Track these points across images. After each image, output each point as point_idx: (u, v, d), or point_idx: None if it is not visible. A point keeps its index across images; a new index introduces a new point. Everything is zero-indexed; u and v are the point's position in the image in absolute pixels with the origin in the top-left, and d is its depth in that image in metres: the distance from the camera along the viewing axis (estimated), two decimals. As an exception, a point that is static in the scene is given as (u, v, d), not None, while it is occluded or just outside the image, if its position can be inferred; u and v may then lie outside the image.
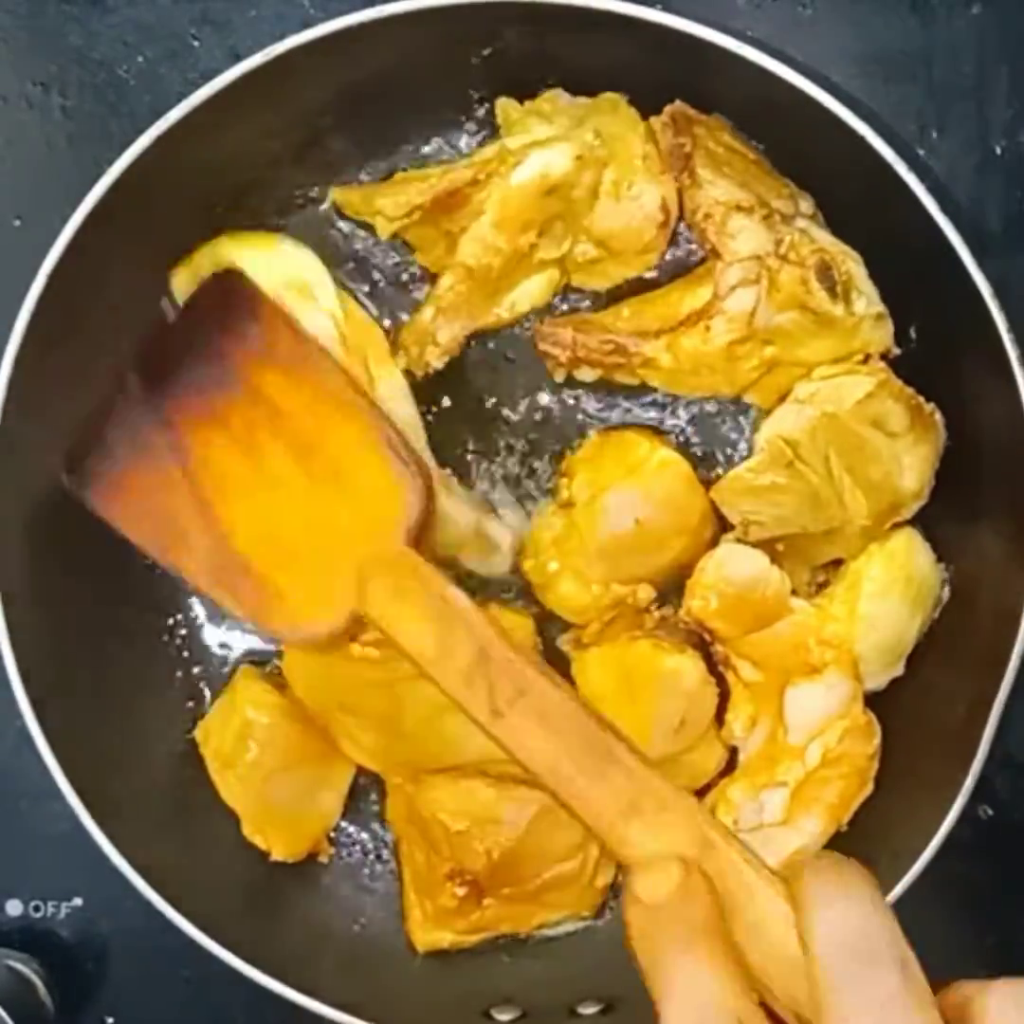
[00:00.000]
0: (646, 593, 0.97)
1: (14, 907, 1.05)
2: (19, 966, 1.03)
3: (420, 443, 0.96)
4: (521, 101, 0.96)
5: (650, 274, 0.98)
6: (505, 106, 0.96)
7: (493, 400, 1.00)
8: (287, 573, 0.84)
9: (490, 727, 0.70)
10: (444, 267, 0.96)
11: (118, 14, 1.01)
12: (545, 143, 0.93)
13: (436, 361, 0.96)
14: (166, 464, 0.86)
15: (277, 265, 0.94)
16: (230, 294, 0.91)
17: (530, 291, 0.98)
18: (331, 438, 0.86)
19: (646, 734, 0.97)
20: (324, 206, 1.00)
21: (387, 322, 0.99)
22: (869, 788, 0.97)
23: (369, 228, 0.98)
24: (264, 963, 0.94)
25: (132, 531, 0.87)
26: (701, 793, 0.99)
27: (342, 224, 1.00)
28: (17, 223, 1.03)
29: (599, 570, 0.97)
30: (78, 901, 1.06)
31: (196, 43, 1.01)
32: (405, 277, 1.00)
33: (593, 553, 0.97)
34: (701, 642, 0.98)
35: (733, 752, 1.00)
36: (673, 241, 0.97)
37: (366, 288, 1.00)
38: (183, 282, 0.95)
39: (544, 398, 1.00)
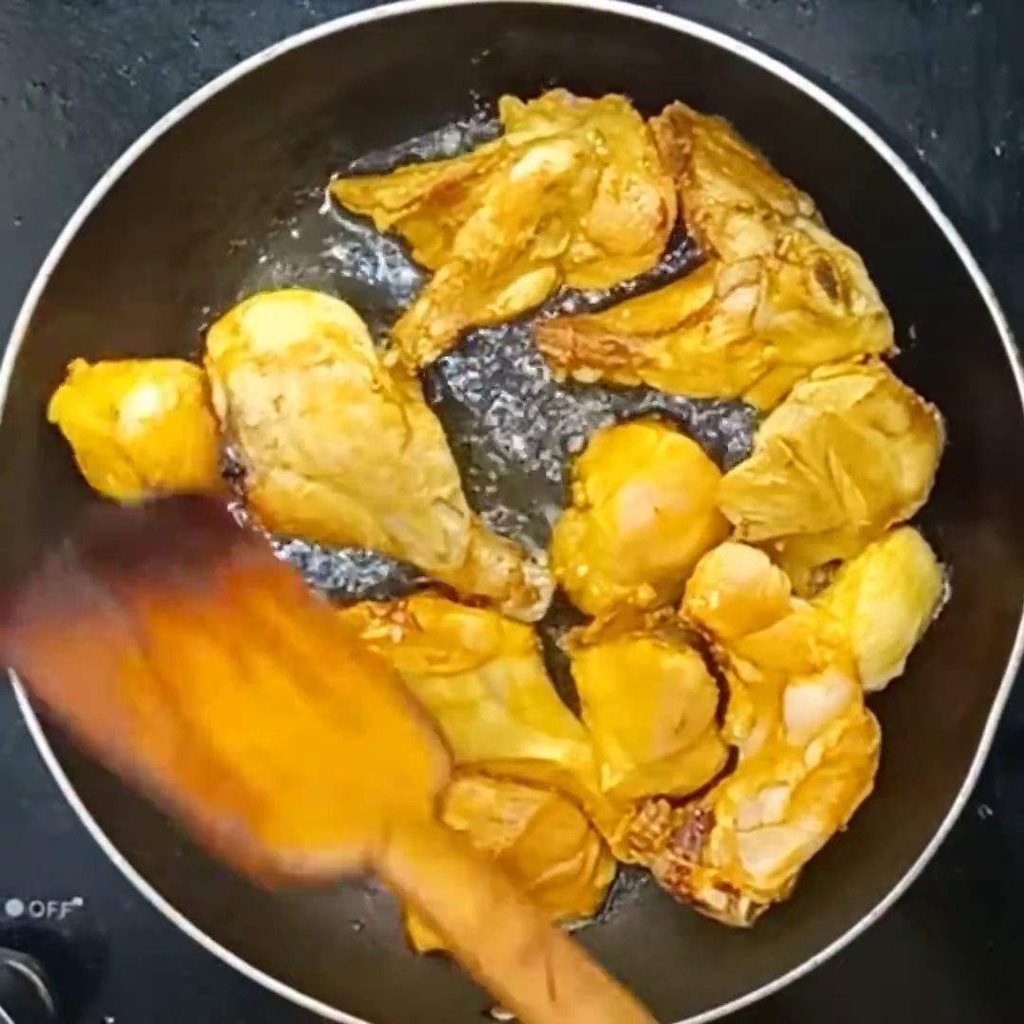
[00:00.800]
0: (647, 593, 0.97)
1: (14, 907, 1.05)
2: (19, 966, 1.03)
3: (455, 485, 0.96)
4: (523, 102, 0.96)
5: (650, 275, 0.98)
6: (508, 104, 0.96)
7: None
8: (288, 794, 0.76)
9: (543, 1012, 0.69)
10: (441, 263, 0.96)
11: (118, 14, 1.02)
12: (546, 140, 0.93)
13: (428, 355, 0.95)
14: (118, 643, 0.77)
15: (314, 315, 0.94)
16: (217, 517, 0.86)
17: (525, 289, 0.98)
18: (344, 683, 0.81)
19: (646, 733, 0.97)
20: (324, 207, 1.00)
21: (382, 328, 0.99)
22: (869, 788, 0.97)
23: (370, 222, 0.98)
24: (264, 963, 0.94)
25: (66, 700, 0.77)
26: (701, 792, 1.00)
27: (341, 224, 1.00)
28: (18, 223, 1.03)
29: (628, 565, 0.97)
30: (78, 901, 1.06)
31: (196, 43, 1.01)
32: (402, 276, 1.00)
33: (619, 550, 0.96)
34: (701, 642, 0.98)
35: (733, 752, 1.00)
36: (672, 242, 0.98)
37: (365, 290, 1.00)
38: (220, 339, 0.95)
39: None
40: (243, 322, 0.94)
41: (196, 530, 0.81)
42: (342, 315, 0.95)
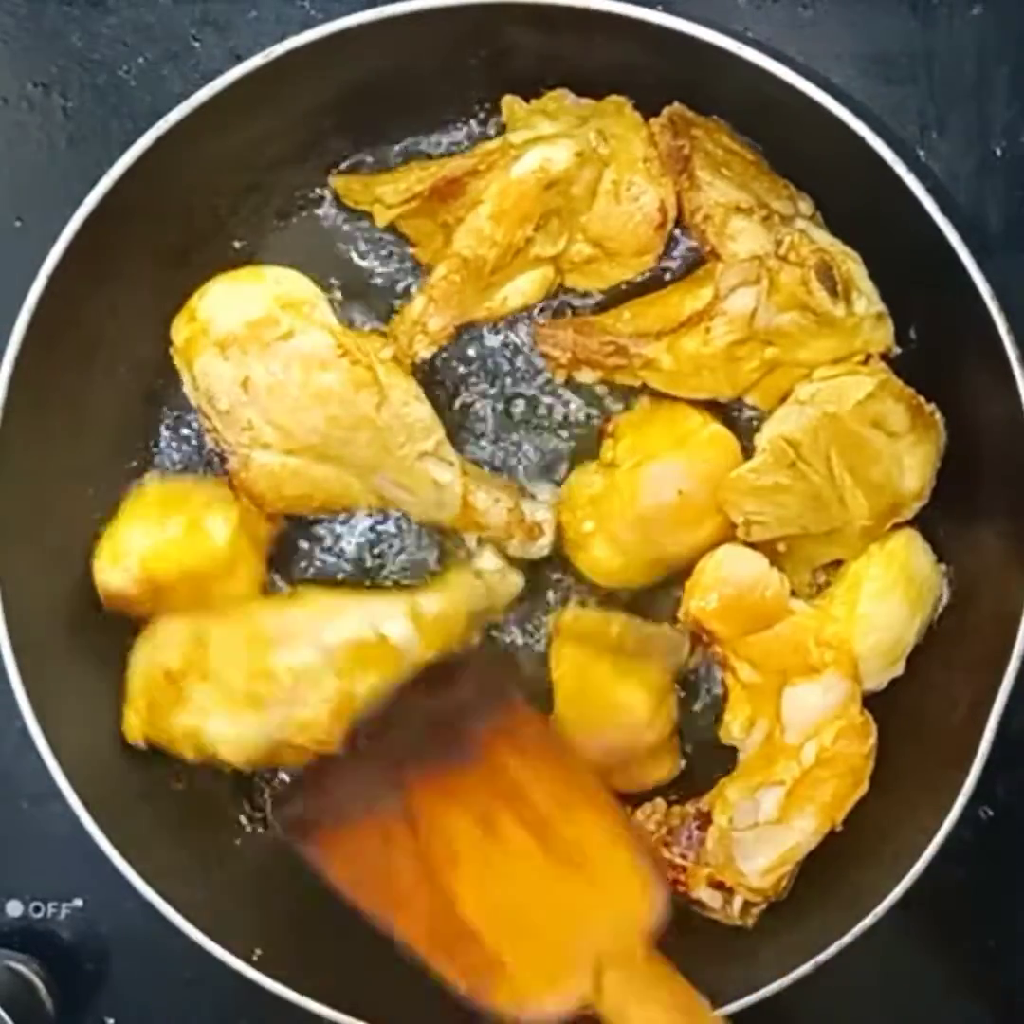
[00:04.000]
0: (618, 627, 0.97)
1: (14, 908, 1.05)
2: (19, 967, 1.03)
3: (439, 436, 0.96)
4: (525, 102, 0.96)
5: (650, 276, 0.99)
6: (510, 102, 0.96)
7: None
8: (517, 948, 0.80)
9: None
10: (442, 260, 0.96)
11: (119, 15, 1.02)
12: (547, 139, 0.93)
13: (424, 351, 0.95)
14: (394, 825, 0.82)
15: (267, 290, 0.94)
16: (479, 680, 0.88)
17: (523, 287, 0.98)
18: (573, 824, 0.82)
19: (576, 736, 0.97)
20: (325, 208, 1.00)
21: (384, 329, 0.99)
22: (864, 788, 0.97)
23: (370, 218, 0.98)
24: (264, 964, 0.94)
25: (347, 884, 0.82)
26: (700, 793, 1.00)
27: (341, 225, 1.00)
28: (18, 224, 1.03)
29: (634, 537, 0.97)
30: (78, 902, 1.06)
31: (197, 44, 1.01)
32: (402, 276, 1.00)
33: (632, 519, 0.96)
34: (697, 639, 0.99)
35: (733, 751, 1.00)
36: (671, 243, 0.98)
37: (365, 290, 1.00)
38: (181, 331, 0.95)
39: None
40: (200, 308, 0.94)
41: (443, 700, 0.86)
42: (295, 284, 0.95)
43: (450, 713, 0.85)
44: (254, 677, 0.95)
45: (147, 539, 0.96)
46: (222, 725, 0.96)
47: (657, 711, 0.97)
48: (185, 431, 1.01)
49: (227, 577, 0.97)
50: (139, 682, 0.97)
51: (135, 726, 0.97)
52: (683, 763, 1.02)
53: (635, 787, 1.00)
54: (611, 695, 0.97)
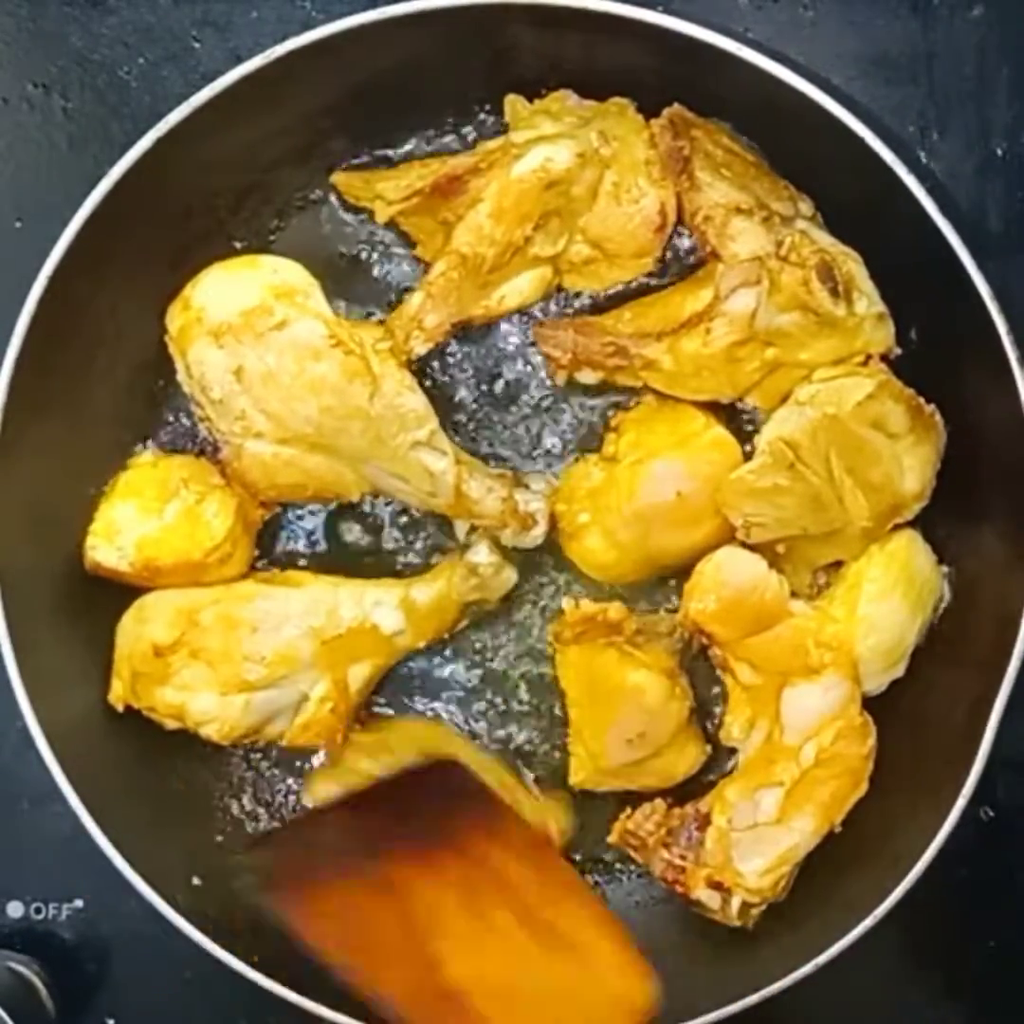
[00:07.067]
0: (617, 612, 0.97)
1: (15, 909, 1.05)
2: (20, 968, 1.03)
3: (433, 426, 0.96)
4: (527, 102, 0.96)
5: (650, 277, 0.99)
6: (513, 101, 0.96)
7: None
8: (507, 1016, 0.81)
9: None
10: (441, 257, 0.96)
11: (119, 16, 1.01)
12: (549, 138, 0.93)
13: (421, 348, 0.95)
14: (373, 888, 0.83)
15: (262, 279, 0.94)
16: (453, 783, 0.89)
17: (521, 287, 0.98)
18: (559, 913, 0.84)
19: (601, 740, 0.98)
20: (325, 208, 1.00)
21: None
22: (863, 788, 0.97)
23: (370, 213, 0.98)
24: (264, 964, 0.94)
25: (319, 939, 0.81)
26: (671, 792, 1.00)
27: (341, 227, 1.00)
28: (18, 224, 1.03)
29: (630, 534, 0.97)
30: (79, 903, 1.06)
31: (197, 45, 1.01)
32: (402, 277, 1.00)
33: (629, 515, 0.96)
34: (691, 646, 0.99)
35: (732, 752, 1.00)
36: (672, 244, 0.98)
37: (364, 292, 1.00)
38: (175, 319, 0.95)
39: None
40: (194, 296, 0.95)
41: (432, 793, 0.87)
42: (291, 273, 0.95)
43: (430, 805, 0.86)
44: (243, 660, 0.96)
45: (144, 523, 0.96)
46: (208, 704, 0.96)
47: (670, 690, 0.97)
48: (185, 430, 1.01)
49: (221, 563, 0.97)
50: (126, 652, 0.98)
51: (119, 694, 0.98)
52: (709, 749, 1.01)
53: (669, 782, 1.00)
54: (622, 680, 0.97)
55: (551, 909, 0.83)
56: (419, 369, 0.98)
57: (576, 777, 1.00)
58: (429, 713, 1.04)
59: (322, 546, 1.02)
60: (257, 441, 0.95)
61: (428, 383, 0.99)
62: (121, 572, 0.97)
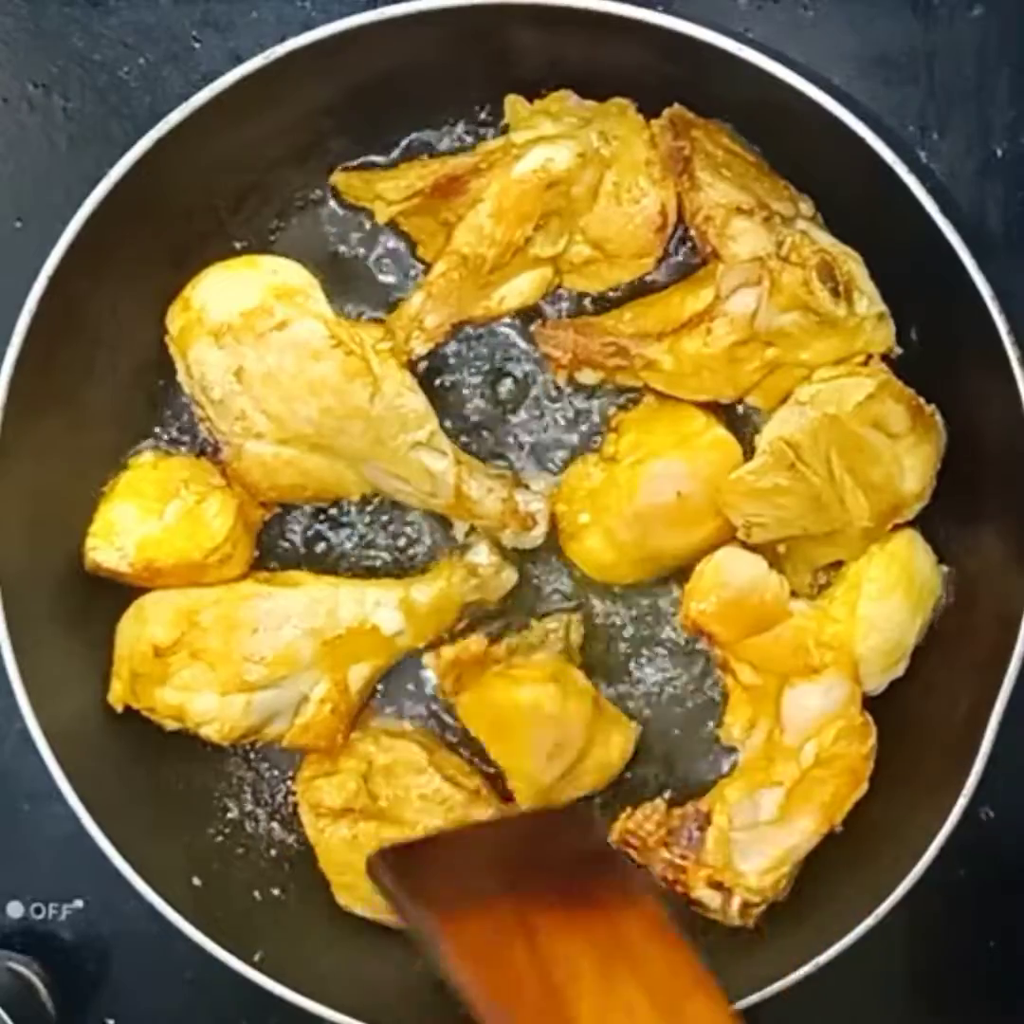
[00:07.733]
0: (477, 645, 0.98)
1: (15, 909, 1.05)
2: (20, 968, 1.03)
3: (433, 426, 0.96)
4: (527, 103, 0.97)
5: (650, 277, 0.99)
6: (514, 101, 0.96)
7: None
8: None
9: None
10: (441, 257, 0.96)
11: (119, 16, 1.01)
12: (549, 139, 0.93)
13: (421, 348, 0.95)
14: (512, 929, 0.80)
15: (262, 279, 0.94)
16: (593, 839, 0.89)
17: (521, 287, 0.98)
18: (692, 1016, 0.80)
19: (526, 766, 0.98)
20: (325, 208, 1.00)
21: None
22: (864, 788, 0.97)
23: (370, 213, 0.98)
24: (265, 965, 0.94)
25: (461, 968, 0.79)
26: (620, 784, 1.01)
27: (341, 227, 1.00)
28: (18, 224, 1.03)
29: (630, 534, 0.97)
30: (79, 903, 1.06)
31: (197, 45, 1.01)
32: (402, 278, 1.00)
33: (629, 516, 0.97)
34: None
35: (733, 752, 1.01)
36: (672, 244, 0.98)
37: (364, 293, 1.00)
38: (176, 319, 0.95)
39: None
40: (194, 296, 0.95)
41: (570, 843, 0.86)
42: (291, 274, 0.95)
43: (569, 855, 0.85)
44: (243, 660, 0.96)
45: (144, 524, 0.96)
46: (208, 705, 0.96)
47: (563, 692, 0.98)
48: (185, 431, 1.01)
49: (221, 564, 0.98)
50: (125, 653, 0.98)
51: (119, 694, 0.98)
52: (637, 727, 1.01)
53: (611, 773, 1.00)
54: (516, 703, 0.97)
55: (686, 1002, 0.80)
56: (419, 369, 0.98)
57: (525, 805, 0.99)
58: (430, 712, 1.04)
59: (322, 546, 1.02)
60: (257, 441, 0.95)
61: (428, 383, 0.99)
62: (121, 572, 0.97)
